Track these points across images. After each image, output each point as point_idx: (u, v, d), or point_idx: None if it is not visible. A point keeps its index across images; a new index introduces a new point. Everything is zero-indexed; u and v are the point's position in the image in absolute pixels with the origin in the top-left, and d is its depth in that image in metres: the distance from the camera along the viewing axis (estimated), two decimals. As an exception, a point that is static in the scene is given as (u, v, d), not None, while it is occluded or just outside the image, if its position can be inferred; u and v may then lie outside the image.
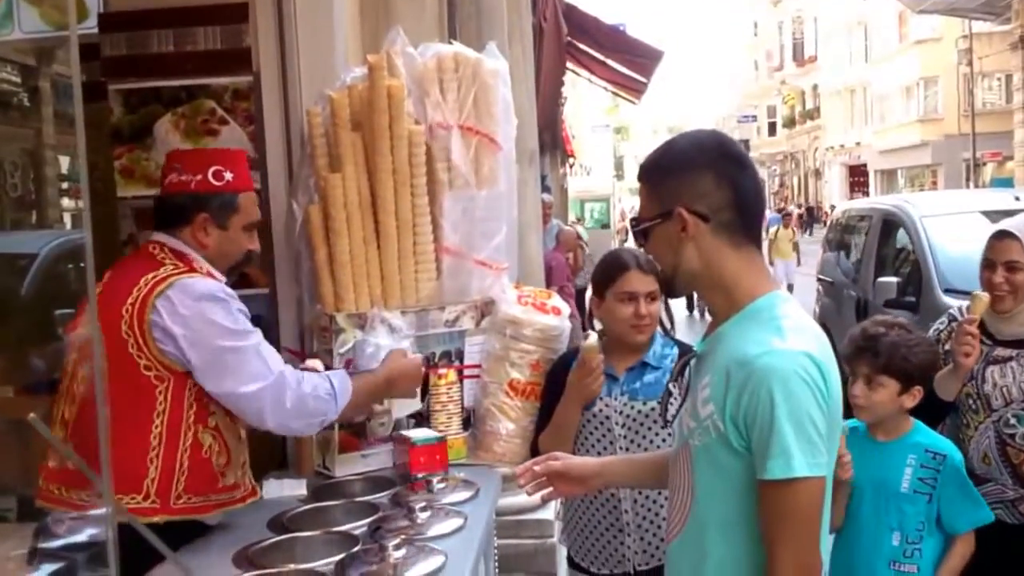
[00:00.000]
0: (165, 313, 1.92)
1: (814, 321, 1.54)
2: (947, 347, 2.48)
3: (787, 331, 1.40)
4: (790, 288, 11.73)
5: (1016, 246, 2.41)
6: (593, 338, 2.26)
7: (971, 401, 2.44)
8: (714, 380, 1.44)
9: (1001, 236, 2.46)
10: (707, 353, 1.51)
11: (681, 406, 1.56)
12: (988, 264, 2.46)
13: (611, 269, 2.34)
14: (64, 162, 2.79)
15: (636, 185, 1.64)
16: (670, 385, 1.62)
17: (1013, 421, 2.39)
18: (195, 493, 1.97)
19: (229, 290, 2.03)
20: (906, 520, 2.20)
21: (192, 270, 2.01)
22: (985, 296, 2.40)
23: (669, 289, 1.61)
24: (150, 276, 1.96)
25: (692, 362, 1.56)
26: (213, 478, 2.01)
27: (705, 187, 1.46)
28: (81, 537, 1.95)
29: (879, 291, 5.67)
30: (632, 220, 1.59)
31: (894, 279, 5.63)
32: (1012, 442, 2.39)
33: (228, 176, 2.08)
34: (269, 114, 2.64)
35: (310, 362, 2.29)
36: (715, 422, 1.42)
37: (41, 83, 2.55)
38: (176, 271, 1.98)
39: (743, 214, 1.47)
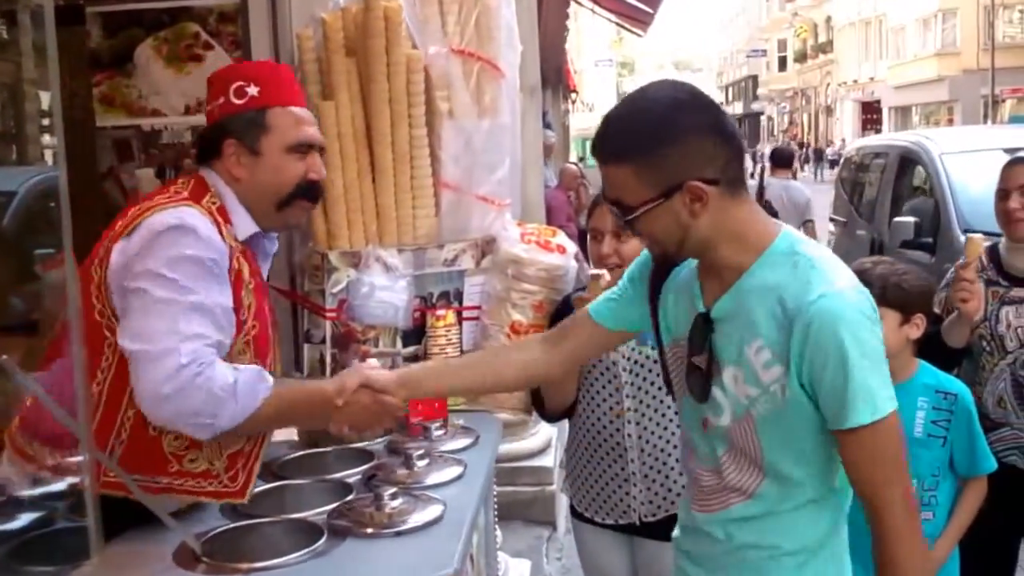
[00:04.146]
0: (120, 248, 1.65)
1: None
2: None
3: (829, 271, 1.35)
4: None
5: None
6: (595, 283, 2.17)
7: (985, 343, 2.39)
8: (770, 339, 1.35)
9: (1014, 163, 2.41)
10: (735, 314, 1.39)
11: (710, 376, 1.43)
12: (1002, 194, 2.40)
13: (591, 206, 2.24)
14: (45, 97, 2.68)
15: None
16: (696, 360, 1.45)
17: None
18: (135, 472, 1.66)
19: (203, 231, 1.65)
20: (921, 466, 2.14)
21: (189, 200, 1.70)
22: (979, 238, 2.33)
23: (669, 263, 1.47)
24: (142, 206, 1.70)
25: (712, 330, 1.43)
26: (162, 459, 1.70)
27: (710, 150, 1.34)
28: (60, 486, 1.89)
29: (895, 231, 5.56)
30: (619, 209, 1.38)
31: (911, 219, 5.50)
32: None
33: (252, 91, 1.77)
34: (257, 38, 2.52)
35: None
36: (782, 383, 1.35)
37: (19, 14, 2.42)
38: (168, 201, 1.69)
39: (740, 164, 1.38)
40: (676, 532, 1.66)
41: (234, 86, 1.78)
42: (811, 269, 1.34)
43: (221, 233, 1.70)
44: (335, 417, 1.69)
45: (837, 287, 1.33)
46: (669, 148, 1.32)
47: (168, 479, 1.71)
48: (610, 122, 1.39)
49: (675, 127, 1.33)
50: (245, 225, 1.78)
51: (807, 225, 6.82)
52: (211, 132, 1.80)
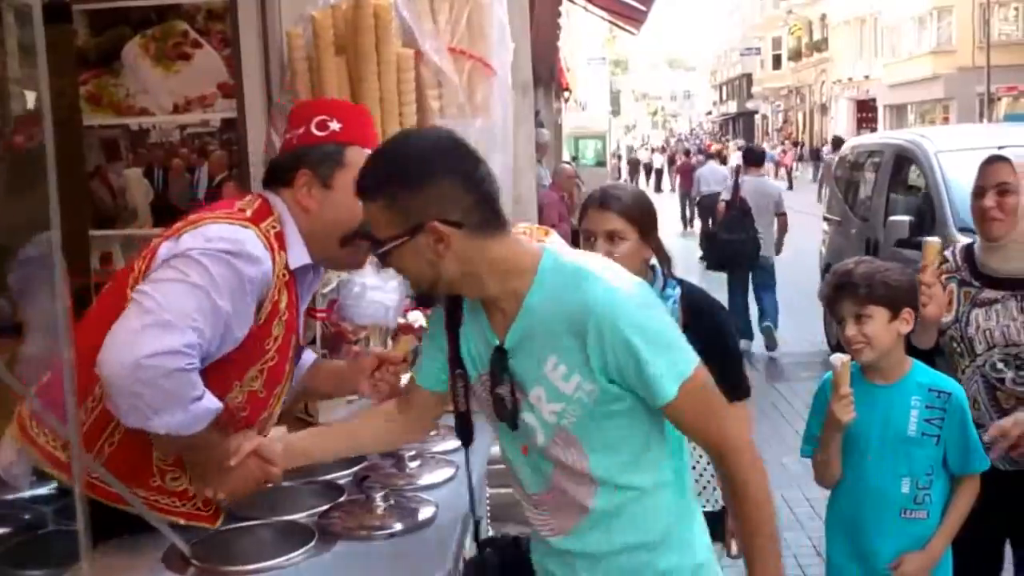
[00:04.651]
0: (168, 246, 1.65)
1: None
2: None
3: (596, 272, 1.43)
4: None
5: (1006, 168, 2.31)
6: None
7: (955, 344, 2.37)
8: (564, 352, 1.41)
9: (991, 161, 2.37)
10: (526, 337, 1.45)
11: (516, 403, 1.48)
12: (978, 192, 2.36)
13: (582, 208, 2.23)
14: (30, 97, 2.66)
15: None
16: (499, 391, 1.50)
17: (1000, 365, 2.30)
18: (117, 476, 1.60)
19: (255, 253, 1.65)
20: (915, 465, 2.14)
21: (250, 221, 1.70)
22: (935, 241, 2.32)
23: (427, 299, 1.52)
24: (202, 215, 1.71)
25: (508, 359, 1.48)
26: (147, 471, 1.69)
27: (454, 193, 1.40)
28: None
29: (891, 230, 5.55)
30: (370, 243, 1.47)
31: (906, 218, 5.49)
32: (1002, 387, 2.31)
33: (334, 126, 1.79)
34: (246, 36, 2.50)
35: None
36: (586, 388, 1.42)
37: (4, 13, 2.39)
38: (228, 217, 1.69)
39: (492, 208, 1.44)
40: (536, 556, 1.64)
41: (317, 119, 1.80)
42: (580, 275, 1.42)
43: (273, 259, 1.69)
44: (219, 474, 1.65)
45: (608, 285, 1.41)
46: (416, 189, 1.39)
47: (146, 493, 1.69)
48: (370, 160, 1.48)
49: (423, 170, 1.40)
50: (299, 255, 1.78)
51: (780, 218, 7.47)
52: (286, 160, 1.82)
